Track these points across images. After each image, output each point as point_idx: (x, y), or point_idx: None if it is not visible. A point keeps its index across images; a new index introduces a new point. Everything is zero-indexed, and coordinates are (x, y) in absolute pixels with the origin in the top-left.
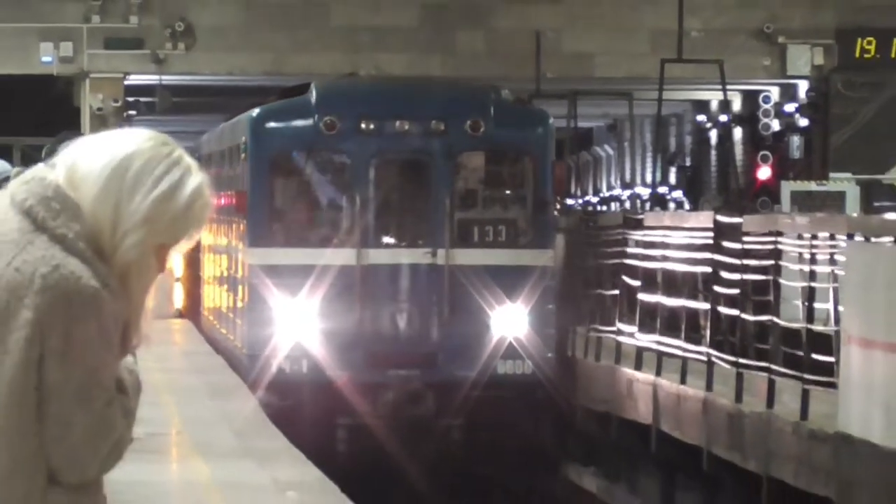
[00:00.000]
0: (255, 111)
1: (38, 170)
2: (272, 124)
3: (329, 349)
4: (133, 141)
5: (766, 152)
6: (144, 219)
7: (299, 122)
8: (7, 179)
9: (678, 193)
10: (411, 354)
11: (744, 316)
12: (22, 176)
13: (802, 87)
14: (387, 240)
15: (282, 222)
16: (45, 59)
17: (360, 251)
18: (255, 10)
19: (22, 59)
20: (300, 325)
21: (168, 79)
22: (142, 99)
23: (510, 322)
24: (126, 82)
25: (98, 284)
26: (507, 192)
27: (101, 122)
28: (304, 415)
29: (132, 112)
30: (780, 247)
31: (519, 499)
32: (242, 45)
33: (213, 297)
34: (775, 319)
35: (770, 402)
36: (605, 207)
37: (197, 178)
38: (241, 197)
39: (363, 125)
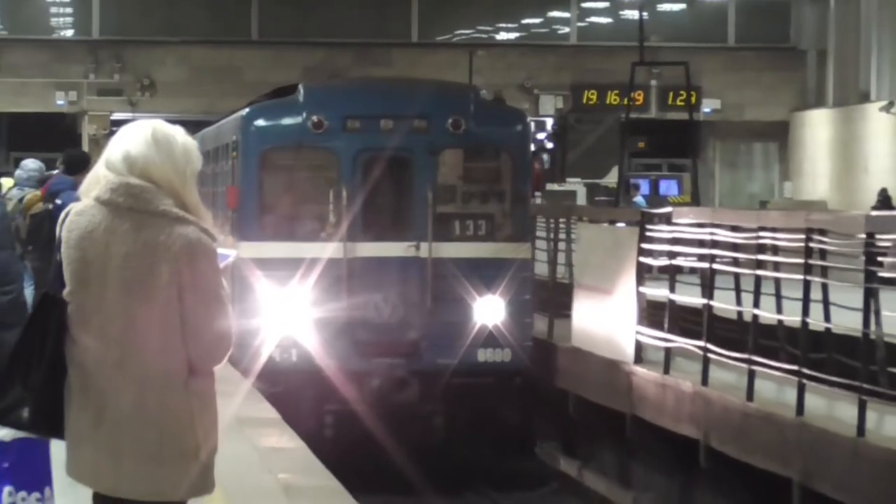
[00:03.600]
0: (246, 110)
1: None
2: (262, 122)
3: (317, 339)
4: None
5: None
6: None
7: (288, 121)
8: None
9: None
10: (396, 344)
11: None
12: None
13: (549, 122)
14: (372, 233)
15: (271, 217)
16: (59, 102)
17: (346, 244)
18: (194, 71)
19: (44, 102)
20: (289, 315)
21: (139, 115)
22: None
23: (490, 312)
24: (111, 117)
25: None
26: (487, 187)
27: (95, 143)
28: (294, 401)
29: None
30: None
31: (496, 479)
32: (186, 94)
33: None
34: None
35: None
36: None
37: None
38: (232, 193)
39: (349, 123)
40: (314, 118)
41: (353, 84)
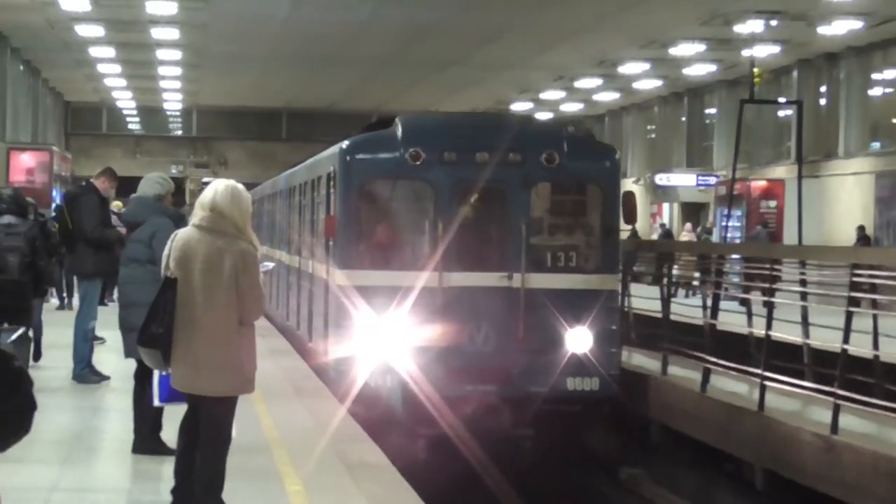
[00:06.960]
0: (344, 143)
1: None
2: (360, 155)
3: (412, 365)
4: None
5: None
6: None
7: (385, 154)
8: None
9: None
10: (488, 371)
11: None
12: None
13: None
14: (466, 264)
15: (368, 246)
16: (173, 171)
17: (441, 274)
18: (250, 155)
19: (164, 171)
20: (385, 342)
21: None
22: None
23: (579, 342)
24: (202, 180)
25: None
26: (577, 219)
27: (192, 194)
28: (389, 426)
29: None
30: None
31: (582, 501)
32: (245, 167)
33: (305, 314)
34: None
35: None
36: None
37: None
38: (330, 222)
39: (446, 156)
40: (412, 150)
41: (449, 118)
